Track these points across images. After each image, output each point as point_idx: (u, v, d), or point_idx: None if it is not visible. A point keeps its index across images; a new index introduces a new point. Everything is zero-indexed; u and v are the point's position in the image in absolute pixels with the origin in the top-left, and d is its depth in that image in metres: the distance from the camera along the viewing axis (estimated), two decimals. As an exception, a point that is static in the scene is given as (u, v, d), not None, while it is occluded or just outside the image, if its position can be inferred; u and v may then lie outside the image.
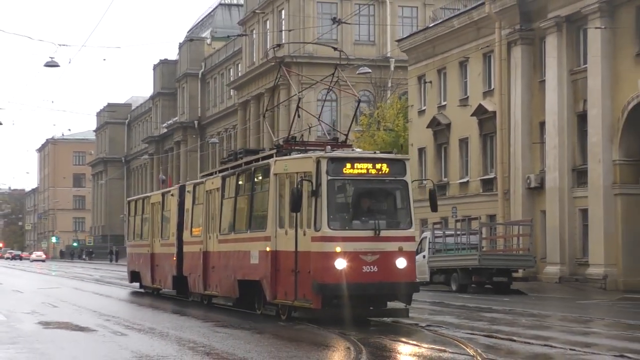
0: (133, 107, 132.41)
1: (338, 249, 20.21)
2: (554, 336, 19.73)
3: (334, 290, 20.23)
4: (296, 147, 23.42)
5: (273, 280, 22.15)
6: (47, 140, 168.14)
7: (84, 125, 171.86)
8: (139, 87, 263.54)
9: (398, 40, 58.15)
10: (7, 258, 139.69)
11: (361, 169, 20.92)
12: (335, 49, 27.96)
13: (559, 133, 41.42)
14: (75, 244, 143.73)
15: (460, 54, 49.29)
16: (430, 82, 52.08)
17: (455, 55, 49.87)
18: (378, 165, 21.05)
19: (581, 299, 32.97)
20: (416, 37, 54.76)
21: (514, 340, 18.35)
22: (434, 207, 22.48)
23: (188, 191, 30.66)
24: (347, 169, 20.89)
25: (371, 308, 21.95)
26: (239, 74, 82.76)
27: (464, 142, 49.85)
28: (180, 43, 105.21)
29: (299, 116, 25.70)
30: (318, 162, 20.64)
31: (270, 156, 23.35)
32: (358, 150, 26.14)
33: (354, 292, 20.30)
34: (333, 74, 25.60)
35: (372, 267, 20.42)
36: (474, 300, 32.39)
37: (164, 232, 33.85)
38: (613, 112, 39.29)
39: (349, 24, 55.72)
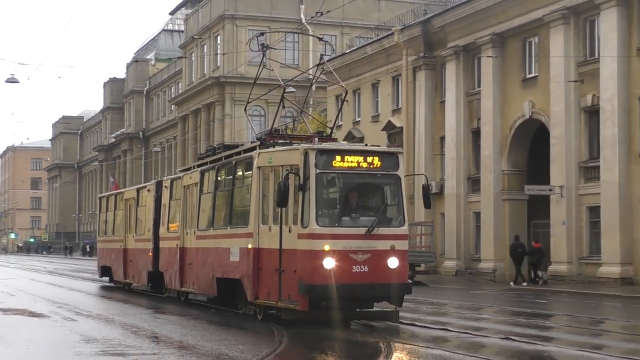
0: (85, 119, 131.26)
1: (327, 248, 16.76)
2: (451, 321, 19.90)
3: (322, 291, 16.73)
4: (280, 140, 19.50)
5: (255, 280, 18.46)
6: (7, 147, 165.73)
7: (41, 134, 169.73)
8: (90, 102, 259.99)
9: (319, 64, 58.18)
10: None
11: (352, 162, 17.41)
12: (320, 39, 24.16)
13: (457, 146, 41.92)
14: (32, 240, 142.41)
15: (372, 76, 49.58)
16: (347, 100, 52.18)
17: (368, 77, 50.15)
18: (370, 159, 17.59)
19: (474, 290, 33.33)
20: (334, 61, 54.70)
21: (416, 325, 18.47)
22: (427, 204, 19.38)
23: (165, 186, 26.86)
24: (337, 162, 17.32)
25: (357, 310, 18.40)
26: (180, 91, 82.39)
27: (375, 153, 49.91)
28: (127, 63, 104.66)
29: (284, 107, 21.94)
30: (306, 154, 17.12)
31: (253, 149, 19.53)
32: (344, 143, 22.64)
33: (343, 294, 16.83)
34: (318, 65, 22.38)
35: (362, 266, 17.00)
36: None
37: (139, 228, 30.01)
38: (502, 129, 39.84)
39: (277, 49, 55.60)
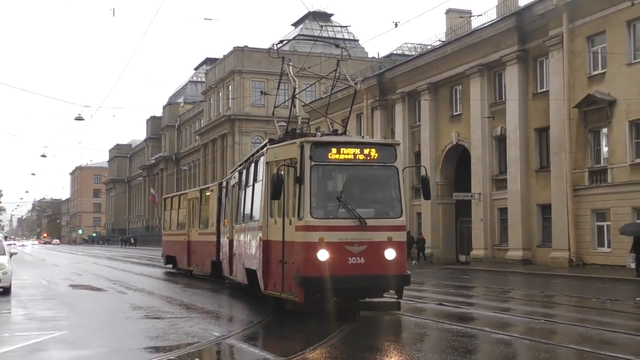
0: (133, 146, 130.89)
1: (321, 239, 12.79)
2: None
3: (316, 283, 12.68)
4: (295, 139, 14.50)
5: (265, 271, 14.45)
6: (76, 167, 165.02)
7: (101, 157, 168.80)
8: (136, 133, 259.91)
9: (303, 105, 58.14)
10: (42, 243, 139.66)
11: (348, 154, 13.34)
12: (337, 46, 18.53)
13: (403, 165, 41.86)
14: (94, 235, 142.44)
15: (342, 114, 49.40)
16: (323, 132, 52.10)
17: (339, 115, 49.84)
18: (366, 151, 13.45)
19: (417, 269, 33.28)
20: (314, 104, 54.66)
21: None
22: (426, 195, 14.97)
23: (223, 187, 22.78)
24: (333, 154, 13.29)
25: (359, 301, 14.07)
26: (202, 126, 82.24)
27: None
28: (163, 105, 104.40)
29: (294, 106, 17.38)
30: (302, 147, 13.20)
31: (265, 146, 15.63)
32: (346, 136, 16.24)
33: (339, 286, 12.80)
34: (336, 70, 16.91)
35: (358, 258, 12.87)
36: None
37: (202, 223, 26.18)
38: (436, 152, 39.99)
39: (272, 94, 55.45)
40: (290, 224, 13.33)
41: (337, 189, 13.56)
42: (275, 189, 13.11)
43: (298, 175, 13.07)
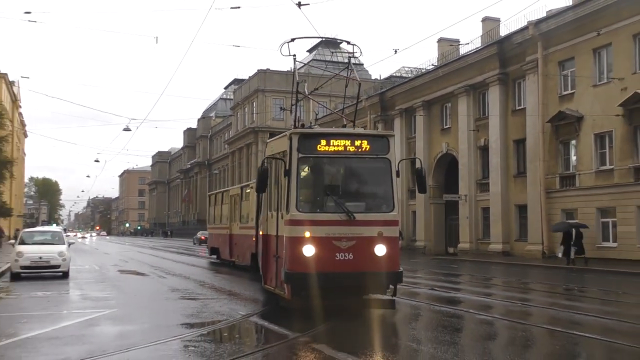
0: (172, 153, 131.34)
1: (307, 234, 10.46)
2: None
3: (302, 280, 10.47)
4: None
5: (264, 265, 12.49)
6: (124, 170, 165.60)
7: (145, 162, 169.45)
8: (175, 142, 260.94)
9: (316, 119, 58.15)
10: (97, 235, 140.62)
11: (338, 146, 10.98)
12: (348, 42, 15.06)
13: (400, 170, 41.80)
14: (139, 227, 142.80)
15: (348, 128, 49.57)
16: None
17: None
18: (358, 142, 11.07)
19: (412, 259, 33.22)
20: (325, 117, 54.85)
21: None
22: (422, 188, 12.25)
23: None
24: (322, 146, 10.95)
25: (352, 298, 11.42)
26: (230, 136, 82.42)
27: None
28: (198, 119, 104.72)
29: (297, 100, 14.68)
30: (290, 139, 10.89)
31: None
32: (345, 129, 13.64)
33: (326, 283, 10.46)
34: (347, 67, 14.35)
35: (346, 254, 10.50)
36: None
37: (242, 218, 23.78)
38: (429, 159, 39.86)
39: (290, 110, 55.51)
40: (282, 218, 11.07)
41: (325, 182, 11.18)
42: (260, 181, 11.09)
43: (286, 168, 10.87)
